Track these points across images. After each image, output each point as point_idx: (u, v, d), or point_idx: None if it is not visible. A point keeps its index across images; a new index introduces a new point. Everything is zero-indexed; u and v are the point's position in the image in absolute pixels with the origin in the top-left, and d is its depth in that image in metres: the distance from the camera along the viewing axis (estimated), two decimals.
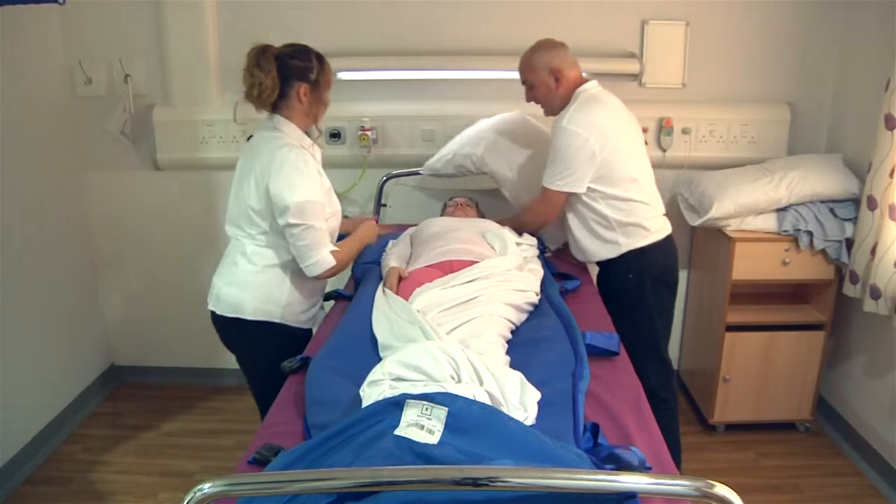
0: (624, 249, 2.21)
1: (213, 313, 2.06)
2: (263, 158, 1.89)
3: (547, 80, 2.18)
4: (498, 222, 2.34)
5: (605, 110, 2.16)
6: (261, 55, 1.87)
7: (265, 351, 1.98)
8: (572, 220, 2.27)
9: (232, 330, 2.04)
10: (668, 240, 2.27)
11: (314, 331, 2.08)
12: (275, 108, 1.95)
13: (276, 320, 2.01)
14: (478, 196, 2.74)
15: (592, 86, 2.19)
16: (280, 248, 1.96)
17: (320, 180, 1.96)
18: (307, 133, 2.02)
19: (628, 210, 2.19)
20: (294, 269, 2.00)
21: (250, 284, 1.98)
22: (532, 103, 2.28)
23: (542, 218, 2.30)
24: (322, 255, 1.92)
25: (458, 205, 2.60)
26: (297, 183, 1.86)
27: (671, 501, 1.10)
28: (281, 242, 1.95)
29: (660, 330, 2.32)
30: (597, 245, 2.25)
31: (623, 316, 2.11)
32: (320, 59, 1.96)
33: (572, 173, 2.12)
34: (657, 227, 2.24)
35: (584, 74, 2.25)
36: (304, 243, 1.89)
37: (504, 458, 1.10)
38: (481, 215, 2.60)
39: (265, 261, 1.98)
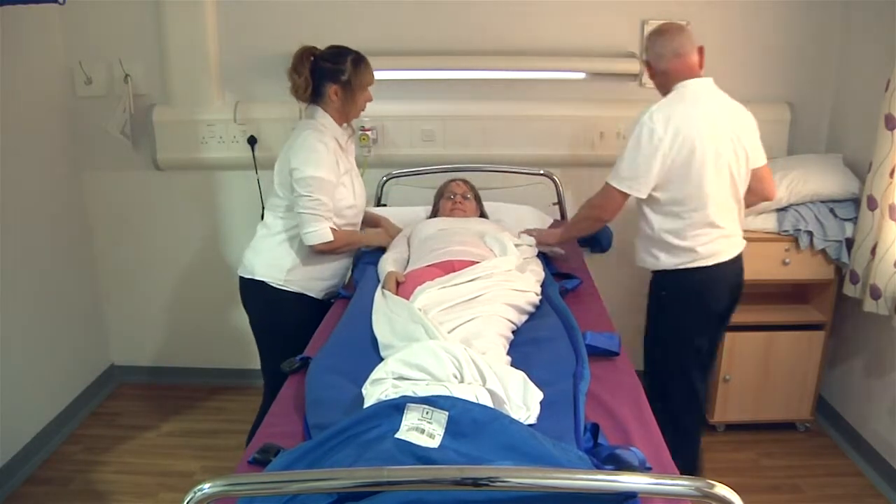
0: (661, 267, 2.10)
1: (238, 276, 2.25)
2: (292, 139, 2.10)
3: (647, 67, 2.13)
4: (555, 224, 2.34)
5: (694, 110, 1.97)
6: (298, 58, 2.06)
7: (266, 311, 2.19)
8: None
9: (244, 289, 2.22)
10: (719, 266, 2.07)
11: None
12: (314, 102, 2.13)
13: (279, 283, 2.15)
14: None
15: (696, 82, 2.01)
16: (291, 218, 2.12)
17: (336, 164, 2.09)
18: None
19: (683, 226, 2.02)
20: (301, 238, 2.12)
21: (260, 249, 2.18)
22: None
23: (596, 212, 2.12)
24: (321, 228, 2.06)
25: (455, 199, 2.47)
26: (311, 159, 2.03)
27: (671, 501, 1.10)
28: (293, 215, 2.10)
29: (688, 354, 2.16)
30: (643, 255, 2.16)
31: (657, 328, 2.11)
32: (356, 62, 2.10)
33: (636, 174, 1.97)
34: (711, 252, 2.05)
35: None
36: (306, 212, 2.05)
37: (505, 462, 1.10)
38: (480, 205, 2.53)
39: (276, 228, 2.16)
